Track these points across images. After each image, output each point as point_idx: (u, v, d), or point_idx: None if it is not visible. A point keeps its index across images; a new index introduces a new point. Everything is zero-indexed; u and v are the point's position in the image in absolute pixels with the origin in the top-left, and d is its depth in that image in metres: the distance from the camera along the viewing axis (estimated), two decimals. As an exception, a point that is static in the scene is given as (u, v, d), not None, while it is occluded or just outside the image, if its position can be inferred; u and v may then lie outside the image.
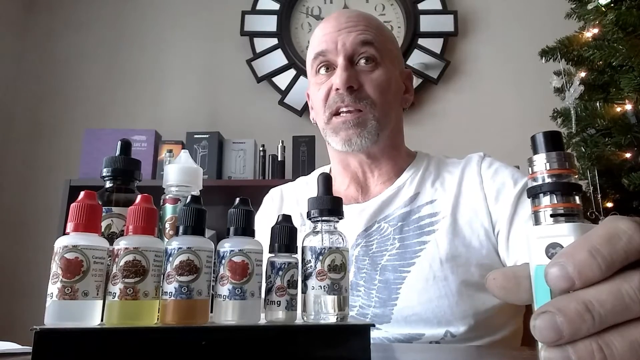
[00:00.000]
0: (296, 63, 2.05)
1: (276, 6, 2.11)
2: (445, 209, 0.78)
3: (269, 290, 0.45)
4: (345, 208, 0.81)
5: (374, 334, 0.72)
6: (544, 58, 1.56)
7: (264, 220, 0.85)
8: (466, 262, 0.73)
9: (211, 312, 0.44)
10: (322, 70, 0.82)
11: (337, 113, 0.80)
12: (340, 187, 0.87)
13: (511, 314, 0.77)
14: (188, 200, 0.45)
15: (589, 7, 1.48)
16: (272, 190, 0.97)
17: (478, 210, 0.77)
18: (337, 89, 0.78)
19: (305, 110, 2.01)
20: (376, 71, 0.80)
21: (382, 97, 0.80)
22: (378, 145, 0.81)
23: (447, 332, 0.71)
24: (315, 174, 0.95)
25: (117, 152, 0.51)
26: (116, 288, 0.40)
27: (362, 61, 0.80)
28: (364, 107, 0.78)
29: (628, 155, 1.35)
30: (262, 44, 2.09)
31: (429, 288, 0.72)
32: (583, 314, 0.23)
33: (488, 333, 0.73)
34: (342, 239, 0.48)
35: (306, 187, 0.92)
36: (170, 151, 1.75)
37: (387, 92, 0.81)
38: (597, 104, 1.41)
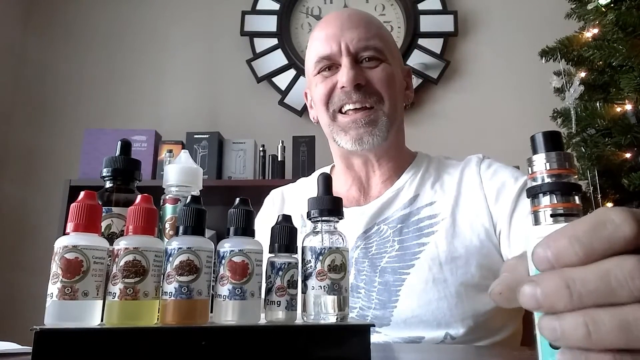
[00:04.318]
0: (296, 63, 2.05)
1: (276, 6, 2.11)
2: (445, 211, 0.78)
3: (269, 290, 0.45)
4: (345, 210, 0.82)
5: (374, 338, 0.72)
6: (544, 58, 1.56)
7: (265, 222, 0.84)
8: (466, 263, 0.73)
9: (211, 312, 0.44)
10: (325, 70, 0.82)
11: (341, 111, 0.80)
12: (343, 187, 0.87)
13: (510, 315, 0.77)
14: (188, 200, 0.45)
15: (589, 7, 1.48)
16: (272, 192, 0.97)
17: (478, 210, 0.77)
18: (343, 87, 0.78)
19: (305, 110, 2.01)
20: (380, 66, 0.81)
21: (390, 91, 0.81)
22: (386, 143, 0.82)
23: (446, 334, 0.70)
24: (316, 175, 0.95)
25: (117, 152, 0.51)
26: (116, 288, 0.41)
27: (366, 59, 0.80)
28: (374, 103, 0.79)
29: (628, 155, 1.35)
30: (262, 44, 2.09)
31: (429, 290, 0.72)
32: (560, 289, 0.25)
33: (487, 335, 0.73)
34: (342, 239, 0.48)
35: (307, 188, 0.92)
36: (170, 151, 1.75)
37: (393, 86, 0.82)
38: (597, 104, 1.41)
